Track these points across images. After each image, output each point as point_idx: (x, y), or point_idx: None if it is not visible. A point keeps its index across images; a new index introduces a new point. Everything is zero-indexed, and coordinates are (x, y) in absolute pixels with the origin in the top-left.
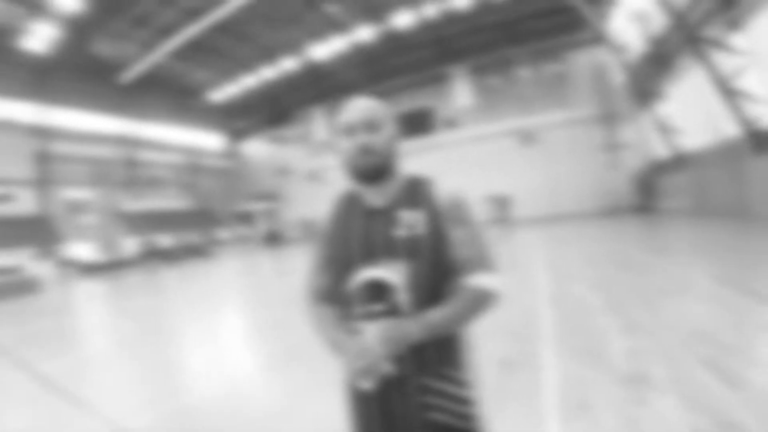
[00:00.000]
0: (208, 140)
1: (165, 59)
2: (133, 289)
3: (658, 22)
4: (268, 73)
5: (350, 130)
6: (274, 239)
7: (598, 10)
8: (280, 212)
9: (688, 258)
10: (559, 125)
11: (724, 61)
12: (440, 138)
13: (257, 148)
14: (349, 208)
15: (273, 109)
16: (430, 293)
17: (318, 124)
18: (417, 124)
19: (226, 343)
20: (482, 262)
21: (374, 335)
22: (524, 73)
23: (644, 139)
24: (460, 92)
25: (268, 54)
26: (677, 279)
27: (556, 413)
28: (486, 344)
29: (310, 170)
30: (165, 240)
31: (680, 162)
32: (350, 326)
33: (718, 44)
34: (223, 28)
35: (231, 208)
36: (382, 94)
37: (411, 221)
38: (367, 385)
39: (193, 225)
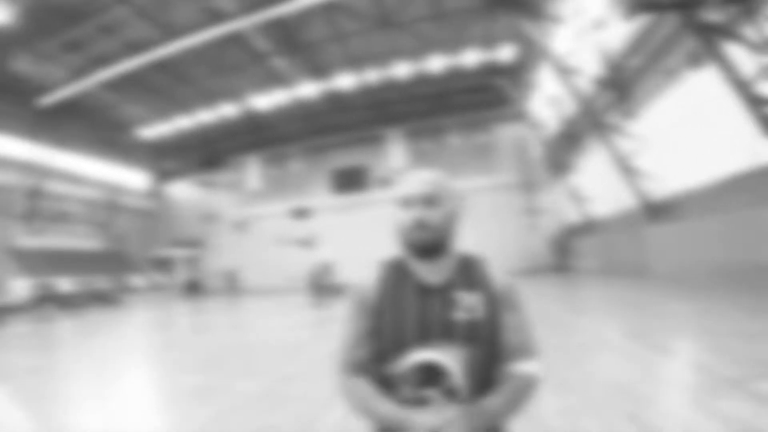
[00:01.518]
0: (132, 178)
1: (95, 89)
2: (15, 341)
3: (569, 106)
4: (204, 116)
5: (407, 202)
6: (194, 289)
7: (520, 92)
8: (202, 260)
9: (601, 315)
10: (484, 190)
11: (622, 143)
12: (374, 195)
13: (184, 191)
14: (400, 281)
15: (205, 153)
16: (482, 379)
17: (252, 172)
18: (352, 180)
19: (132, 415)
20: (529, 349)
21: (455, 420)
22: (455, 140)
23: (559, 206)
24: (395, 154)
25: (208, 98)
26: (595, 335)
27: None
28: None
29: (238, 219)
30: (65, 284)
31: (590, 227)
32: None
33: (617, 129)
34: (163, 66)
35: (148, 253)
36: (320, 149)
37: (470, 304)
38: None
39: (103, 269)
